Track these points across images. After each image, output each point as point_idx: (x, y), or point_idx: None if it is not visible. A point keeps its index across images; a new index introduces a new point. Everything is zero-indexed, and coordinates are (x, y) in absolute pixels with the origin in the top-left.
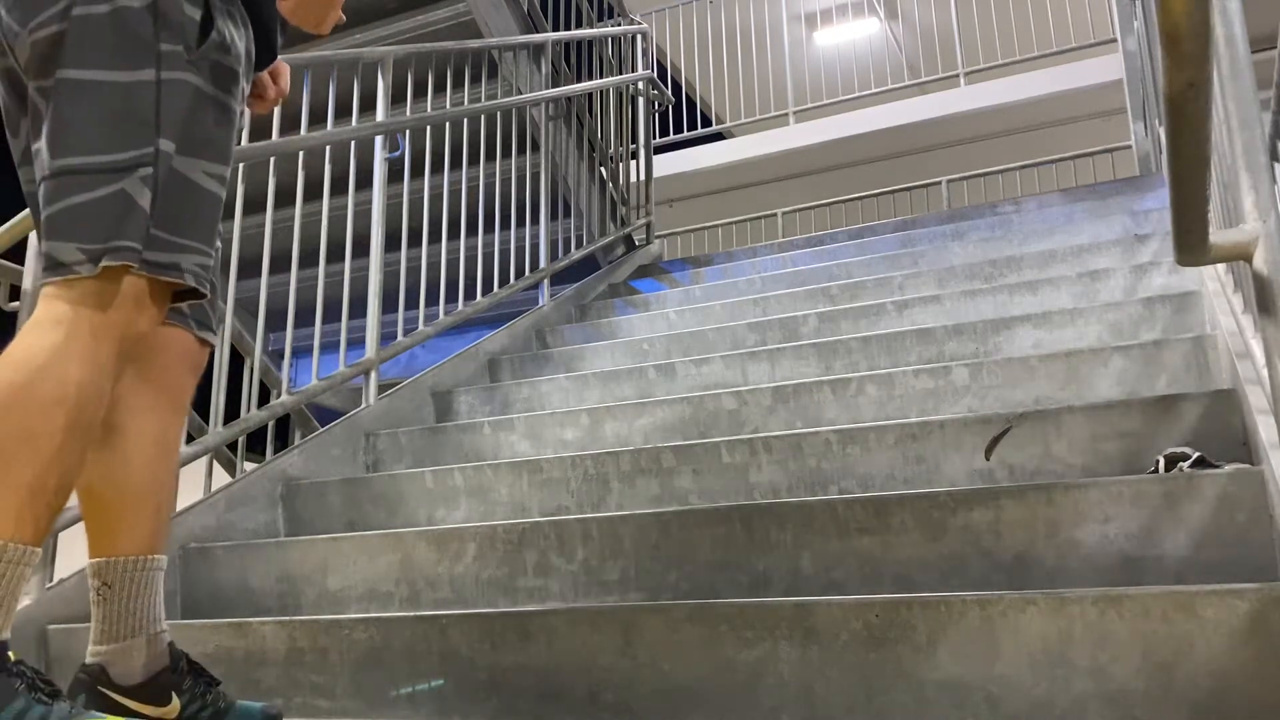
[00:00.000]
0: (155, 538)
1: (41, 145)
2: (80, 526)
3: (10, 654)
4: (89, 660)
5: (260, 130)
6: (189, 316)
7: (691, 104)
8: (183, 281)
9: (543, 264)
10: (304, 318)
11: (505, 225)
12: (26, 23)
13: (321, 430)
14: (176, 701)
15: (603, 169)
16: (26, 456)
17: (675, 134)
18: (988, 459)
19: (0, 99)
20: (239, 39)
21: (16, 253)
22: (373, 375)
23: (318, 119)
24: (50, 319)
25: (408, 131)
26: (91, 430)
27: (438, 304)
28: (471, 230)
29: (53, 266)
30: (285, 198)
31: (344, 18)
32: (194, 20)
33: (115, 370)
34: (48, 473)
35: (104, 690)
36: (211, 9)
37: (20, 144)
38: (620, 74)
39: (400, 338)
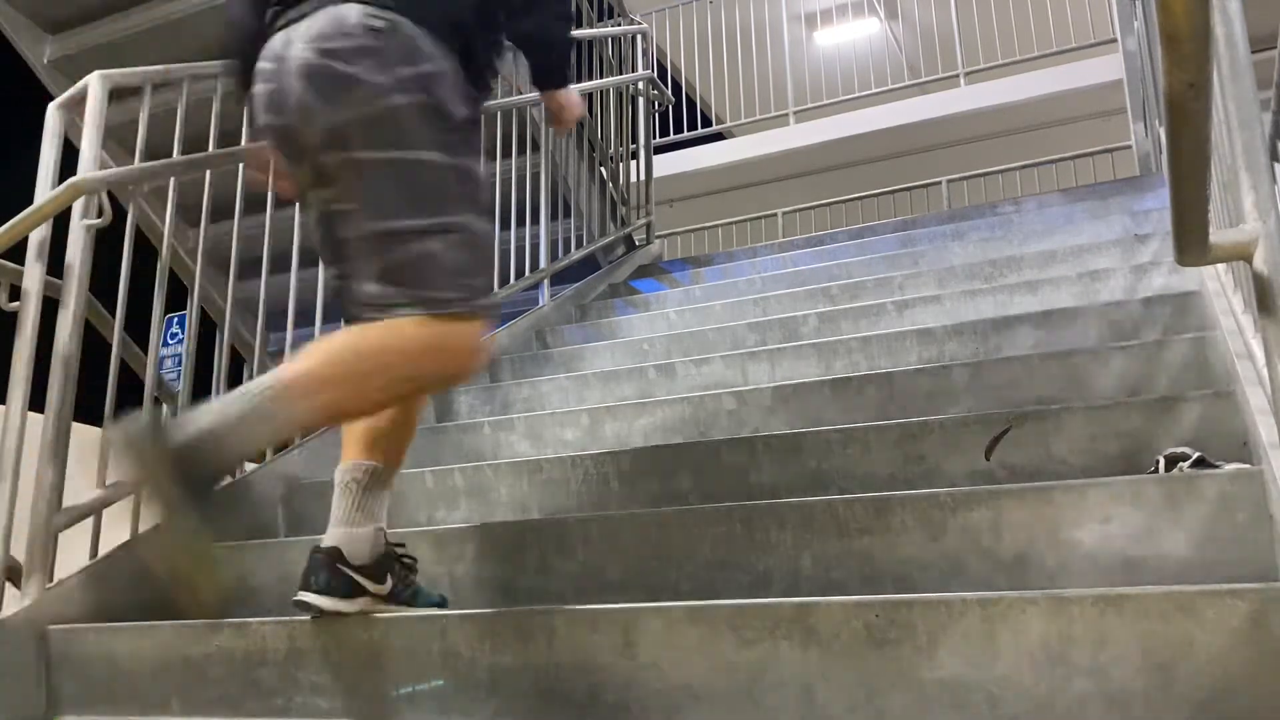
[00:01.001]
0: (391, 456)
1: (355, 207)
2: (77, 528)
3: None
4: (325, 544)
5: None
6: None
7: (691, 104)
8: (489, 317)
9: (543, 264)
10: (304, 318)
11: (505, 225)
12: (331, 100)
13: (321, 430)
14: (390, 582)
15: (603, 169)
16: (411, 423)
17: (675, 134)
18: (988, 459)
19: (279, 138)
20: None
21: (17, 253)
22: None
23: None
24: (447, 336)
25: None
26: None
27: None
28: None
29: (387, 308)
30: None
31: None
32: (466, 116)
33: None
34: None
35: (341, 567)
36: (476, 108)
37: (307, 173)
38: (620, 74)
39: None
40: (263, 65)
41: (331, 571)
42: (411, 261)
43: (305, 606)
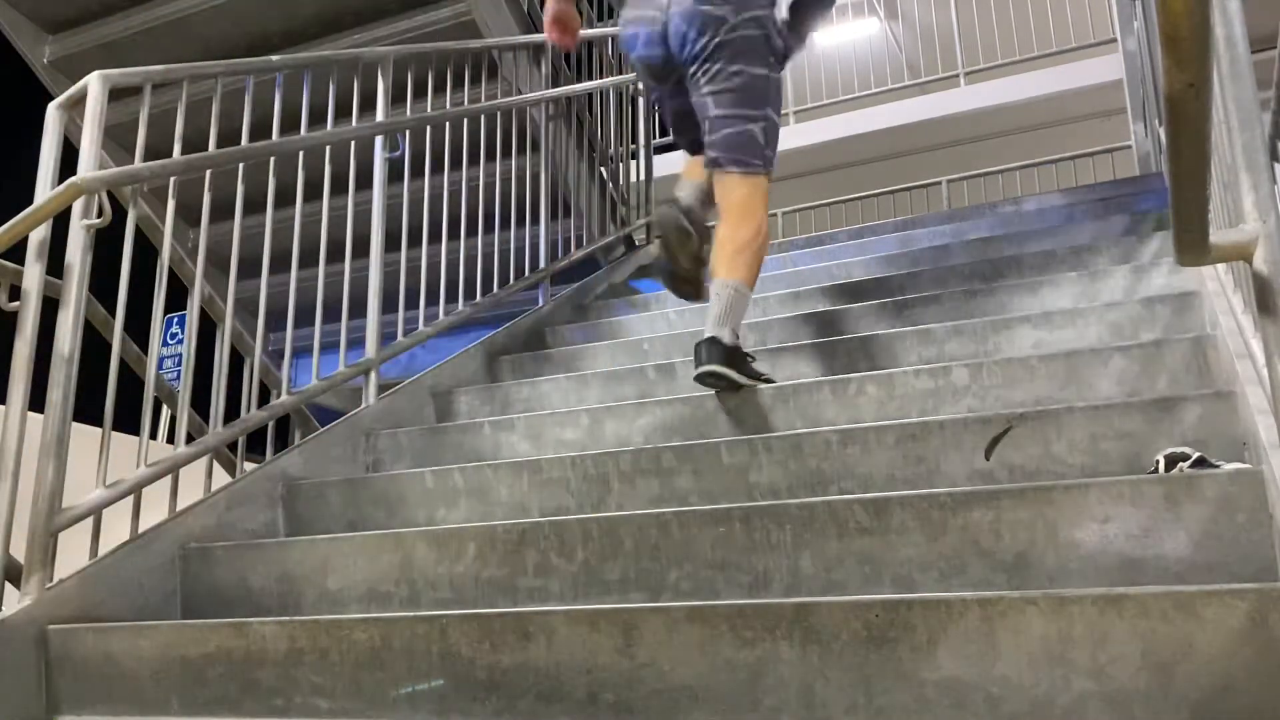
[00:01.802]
0: (743, 273)
1: (711, 99)
2: (78, 528)
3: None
4: (708, 335)
5: (260, 130)
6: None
7: None
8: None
9: (543, 264)
10: (304, 318)
11: (505, 225)
12: (701, 34)
13: (321, 430)
14: (745, 364)
15: (603, 169)
16: (761, 255)
17: None
18: (988, 459)
19: (654, 63)
20: None
21: (17, 253)
22: (373, 375)
23: (318, 119)
24: (757, 194)
25: (408, 131)
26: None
27: (438, 304)
28: (471, 230)
29: (719, 165)
30: (285, 198)
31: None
32: (780, 46)
33: None
34: (761, 262)
35: (722, 347)
36: (784, 41)
37: (674, 84)
38: (620, 74)
39: (400, 338)
40: (644, 13)
41: (718, 350)
42: (740, 138)
43: (709, 375)
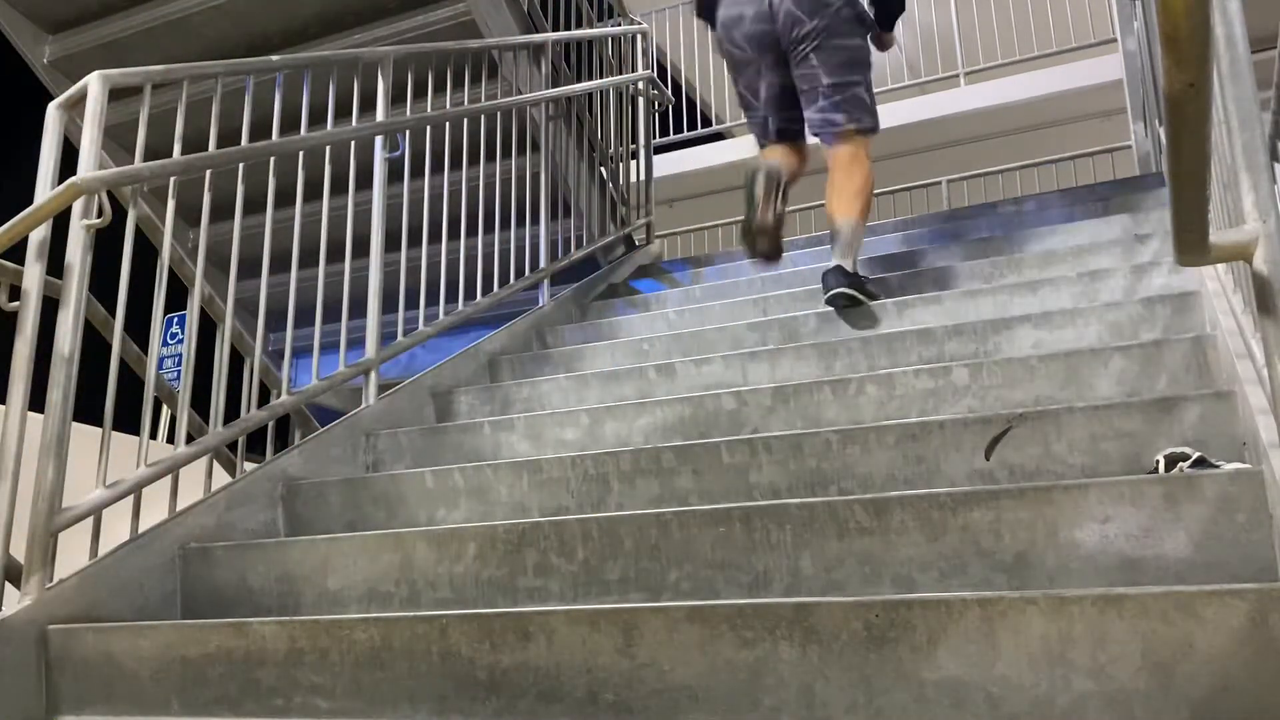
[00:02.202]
0: (854, 213)
1: (820, 70)
2: (77, 528)
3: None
4: (836, 262)
5: (260, 130)
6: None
7: (691, 104)
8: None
9: (543, 264)
10: (304, 318)
11: (505, 225)
12: (812, 16)
13: (321, 430)
14: (867, 288)
15: (603, 169)
16: (870, 198)
17: (675, 134)
18: (988, 459)
19: (760, 38)
20: None
21: (17, 253)
22: (373, 375)
23: (318, 119)
24: (863, 151)
25: (408, 131)
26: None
27: (438, 304)
28: (471, 230)
29: (832, 125)
30: (285, 198)
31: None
32: (870, 18)
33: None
34: (871, 203)
35: (848, 274)
36: (867, 14)
37: (774, 58)
38: (620, 74)
39: (400, 338)
40: None
41: (843, 276)
42: (851, 99)
43: (839, 296)
